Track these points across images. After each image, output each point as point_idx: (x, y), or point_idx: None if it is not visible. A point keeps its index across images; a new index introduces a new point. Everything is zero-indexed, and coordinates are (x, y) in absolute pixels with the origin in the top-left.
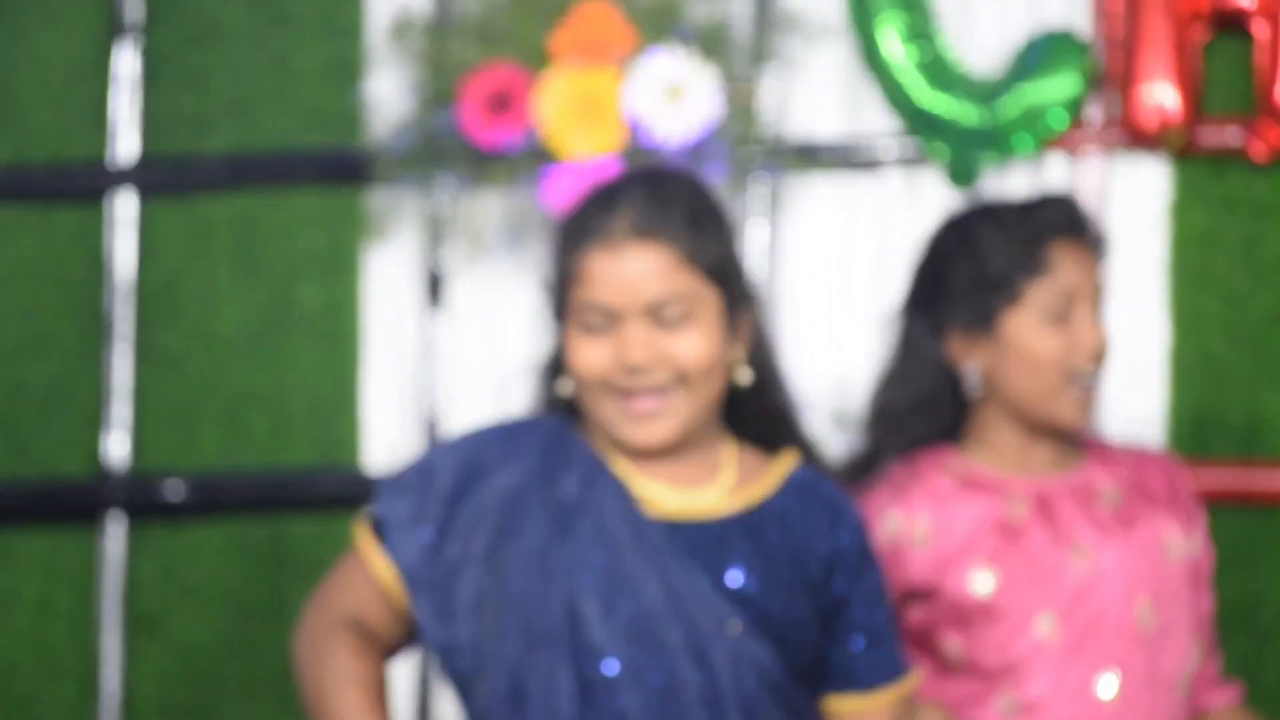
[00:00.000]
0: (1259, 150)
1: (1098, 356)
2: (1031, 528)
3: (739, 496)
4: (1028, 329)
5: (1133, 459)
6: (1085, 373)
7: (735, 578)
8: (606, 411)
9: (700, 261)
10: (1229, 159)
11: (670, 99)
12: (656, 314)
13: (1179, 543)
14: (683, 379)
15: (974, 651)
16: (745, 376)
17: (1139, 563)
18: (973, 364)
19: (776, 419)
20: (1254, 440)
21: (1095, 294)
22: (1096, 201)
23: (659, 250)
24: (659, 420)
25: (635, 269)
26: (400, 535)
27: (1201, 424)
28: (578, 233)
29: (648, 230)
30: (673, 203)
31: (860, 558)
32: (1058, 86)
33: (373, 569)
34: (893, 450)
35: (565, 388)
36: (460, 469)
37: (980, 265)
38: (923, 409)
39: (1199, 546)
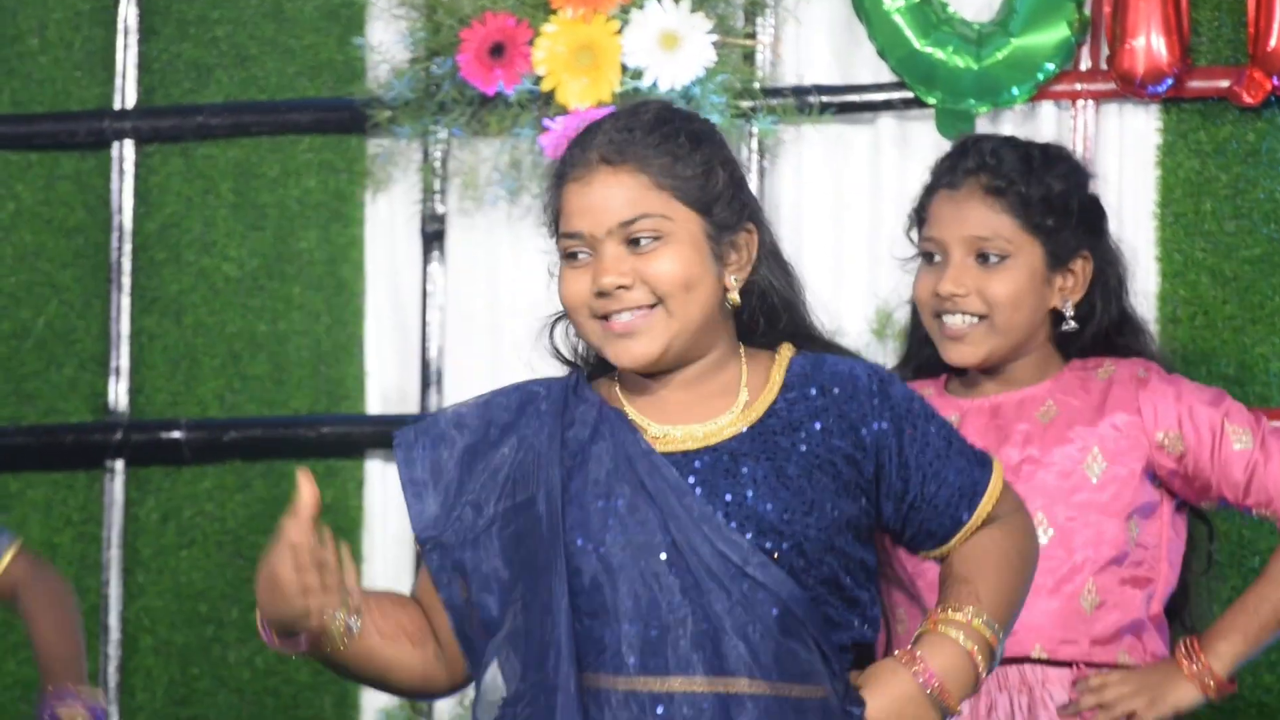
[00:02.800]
0: (1248, 97)
1: (945, 299)
2: None
3: (746, 416)
4: (918, 272)
5: (1102, 382)
6: (947, 313)
7: (749, 502)
8: (594, 337)
9: (673, 185)
10: (1218, 106)
11: (666, 47)
12: (628, 237)
13: (1101, 461)
14: (659, 299)
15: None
16: (734, 299)
17: (1047, 481)
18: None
19: (787, 322)
20: (1243, 386)
21: (969, 242)
22: (1087, 149)
23: (626, 175)
24: (639, 337)
25: (603, 194)
26: (418, 492)
27: (1190, 370)
28: (557, 171)
29: (616, 157)
30: (643, 129)
31: (893, 416)
32: (1048, 35)
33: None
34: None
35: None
36: (475, 428)
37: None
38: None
39: (1174, 434)
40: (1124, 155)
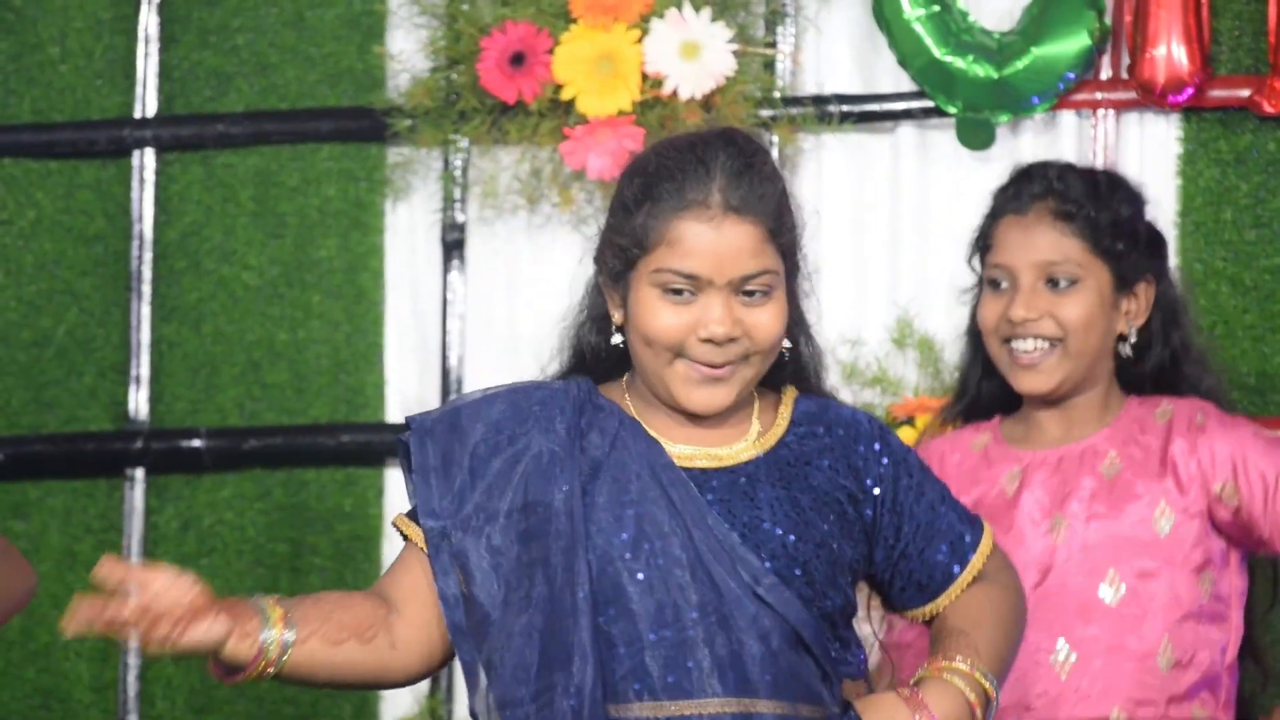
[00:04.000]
0: (1269, 106)
1: (1018, 324)
2: (1019, 499)
3: (761, 444)
4: (981, 300)
5: (1162, 426)
6: (1018, 338)
7: (765, 526)
8: (670, 374)
9: (781, 240)
10: (1238, 115)
11: (687, 56)
12: (741, 289)
13: (1171, 515)
14: (751, 354)
15: None
16: (784, 345)
17: (1116, 535)
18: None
19: (803, 373)
20: (1263, 395)
21: (1040, 267)
22: (1108, 159)
23: (752, 227)
24: (721, 387)
25: (730, 244)
26: (427, 480)
27: None
28: (666, 196)
29: (744, 206)
30: (765, 179)
31: (891, 462)
32: (1069, 44)
33: (415, 538)
34: (962, 406)
35: (617, 339)
36: (489, 422)
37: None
38: (965, 374)
39: (1229, 484)
40: (1144, 164)
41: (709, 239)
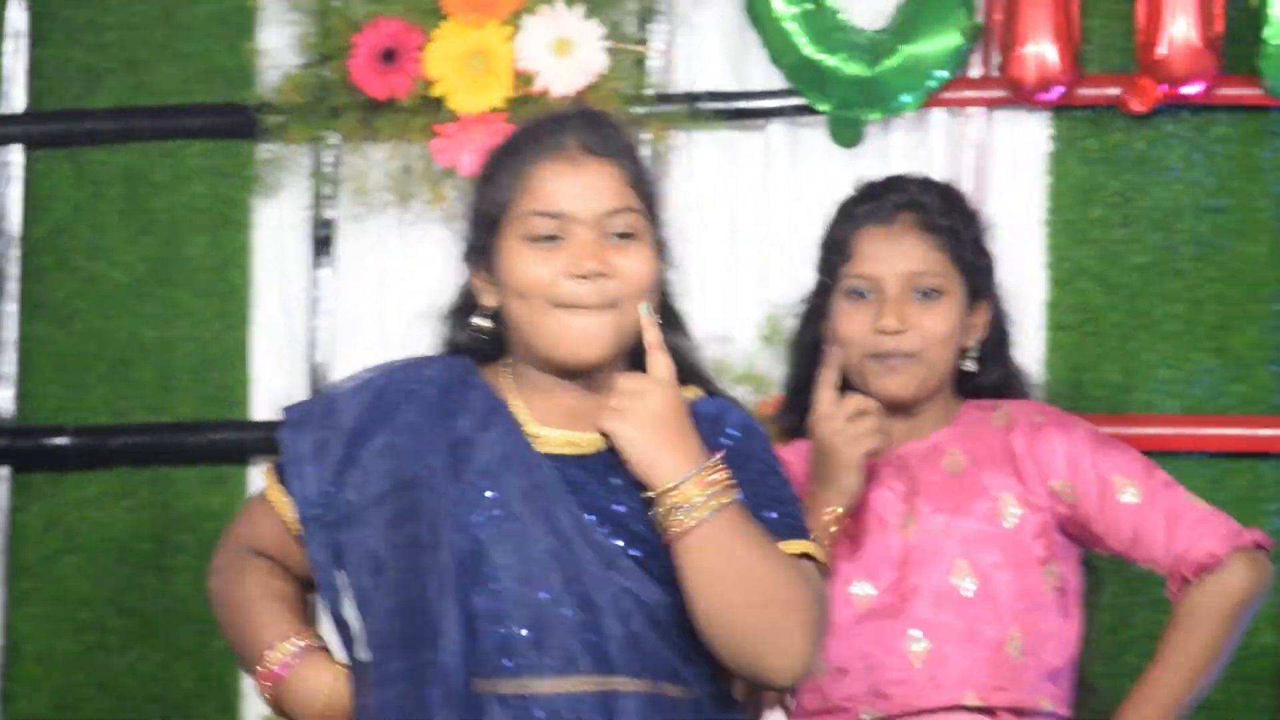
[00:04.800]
0: (1138, 104)
1: (888, 335)
2: (869, 499)
3: None
4: (835, 311)
5: (1001, 427)
6: (877, 351)
7: (623, 510)
8: (545, 327)
9: (641, 189)
10: (1107, 113)
11: (559, 53)
12: (606, 228)
13: (1017, 506)
14: (622, 298)
15: None
16: (648, 312)
17: (966, 529)
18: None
19: (681, 360)
20: (1129, 393)
21: (905, 277)
22: (978, 156)
23: (613, 168)
24: (596, 334)
25: (592, 180)
26: (301, 471)
27: (1077, 377)
28: (524, 150)
29: (602, 149)
30: (620, 134)
31: (745, 454)
32: (940, 42)
33: (277, 505)
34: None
35: (481, 325)
36: (363, 408)
37: (821, 251)
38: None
39: (1065, 480)
40: (1015, 162)
41: (570, 177)
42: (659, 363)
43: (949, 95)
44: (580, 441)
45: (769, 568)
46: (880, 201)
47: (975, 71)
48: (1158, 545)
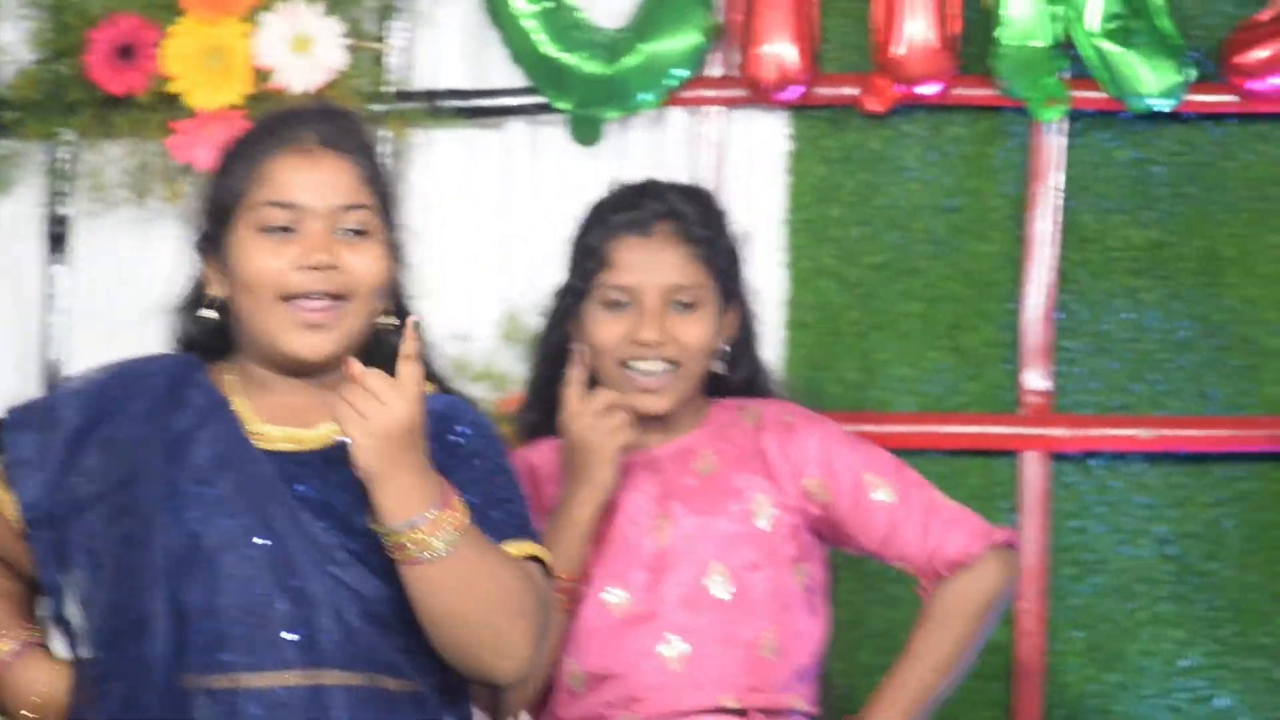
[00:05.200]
0: (875, 104)
1: (647, 346)
2: (620, 501)
3: None
4: (589, 319)
5: (750, 426)
6: (641, 360)
7: (341, 505)
8: (274, 320)
9: (376, 187)
10: (845, 113)
11: (298, 50)
12: (339, 223)
13: (771, 507)
14: (352, 294)
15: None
16: (387, 314)
17: (720, 531)
18: (580, 348)
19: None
20: (865, 391)
21: (667, 289)
22: (718, 155)
23: (349, 164)
24: (324, 331)
25: (327, 175)
26: (23, 473)
27: (815, 375)
28: (262, 141)
29: (339, 144)
30: (358, 129)
31: (473, 452)
32: (679, 41)
33: (1, 505)
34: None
35: (208, 316)
36: (84, 408)
37: (574, 255)
38: (555, 388)
39: (819, 480)
40: (753, 161)
41: (305, 170)
42: (410, 374)
43: (688, 94)
44: (302, 438)
45: (496, 578)
46: (639, 210)
47: (714, 71)
48: (911, 543)
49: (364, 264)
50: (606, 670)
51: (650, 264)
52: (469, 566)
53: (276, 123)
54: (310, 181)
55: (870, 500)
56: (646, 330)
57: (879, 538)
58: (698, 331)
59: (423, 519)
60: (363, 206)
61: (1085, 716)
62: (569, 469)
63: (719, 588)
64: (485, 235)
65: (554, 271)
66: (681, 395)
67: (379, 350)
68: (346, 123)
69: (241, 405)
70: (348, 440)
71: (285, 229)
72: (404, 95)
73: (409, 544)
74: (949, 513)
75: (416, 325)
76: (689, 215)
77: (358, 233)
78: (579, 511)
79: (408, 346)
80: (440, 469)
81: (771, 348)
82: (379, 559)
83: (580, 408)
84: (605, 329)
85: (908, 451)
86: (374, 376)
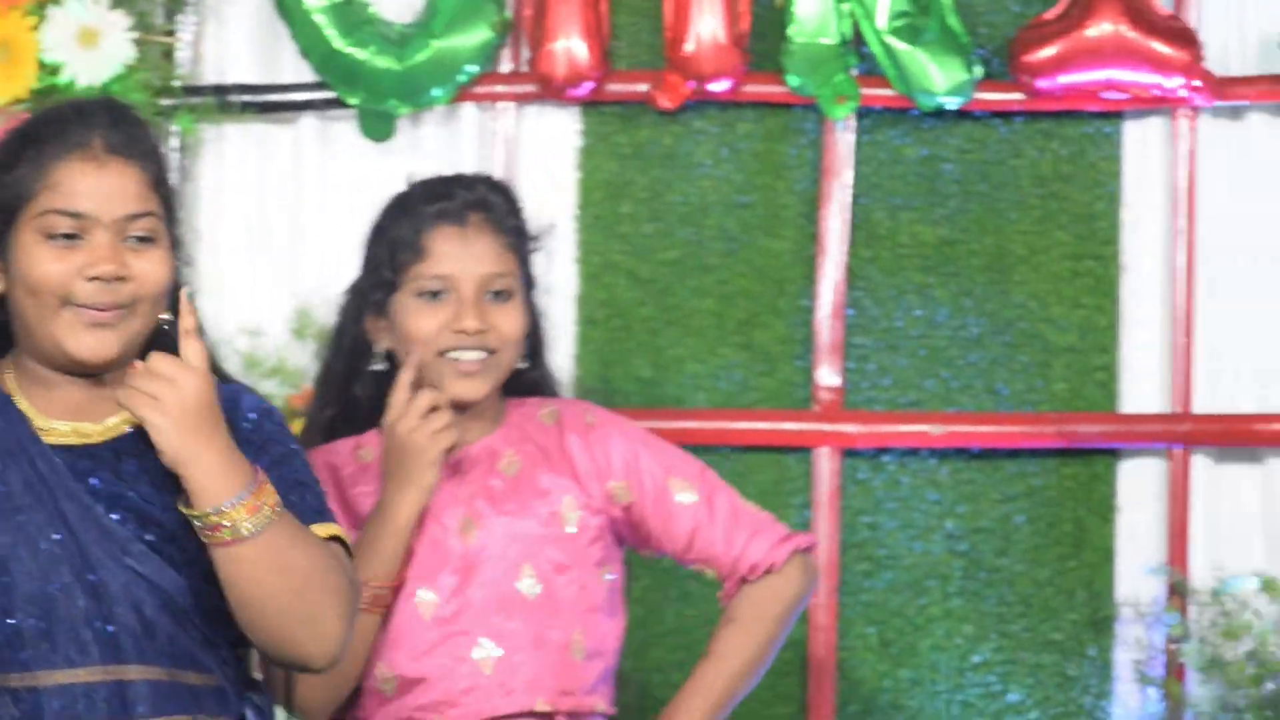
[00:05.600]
0: (666, 100)
1: (470, 335)
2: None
3: (131, 419)
4: (405, 310)
5: (550, 426)
6: (463, 349)
7: (133, 496)
8: (57, 324)
9: (162, 190)
10: (636, 109)
11: (85, 44)
12: (127, 231)
13: (577, 509)
14: (139, 301)
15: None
16: (167, 312)
17: (529, 532)
18: (380, 343)
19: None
20: (659, 388)
21: (484, 279)
22: (509, 151)
23: (137, 170)
24: (108, 334)
25: (115, 183)
26: None
27: (608, 372)
28: (48, 144)
29: (127, 150)
30: (144, 132)
31: (266, 435)
32: (470, 37)
33: None
34: (333, 413)
35: None
36: None
37: (377, 249)
38: (351, 385)
39: (624, 485)
40: (545, 157)
41: (93, 178)
42: (193, 349)
43: (479, 90)
44: (90, 432)
45: (309, 556)
46: (452, 200)
47: (506, 66)
48: (715, 546)
49: (150, 270)
50: (418, 674)
51: (466, 253)
52: (284, 545)
53: (63, 122)
54: (98, 190)
55: (675, 503)
56: (468, 319)
57: (682, 541)
58: (513, 320)
59: (239, 499)
60: (149, 214)
61: (878, 711)
62: (390, 471)
63: (529, 590)
64: (276, 231)
65: (346, 267)
66: (495, 384)
67: (159, 345)
68: (134, 125)
69: (23, 402)
70: (137, 429)
71: (71, 235)
72: (192, 90)
73: (226, 524)
74: (751, 518)
75: (190, 296)
76: (500, 205)
77: (144, 239)
78: (400, 514)
79: (186, 321)
80: None
81: (563, 345)
82: (177, 550)
83: (403, 410)
84: (423, 319)
85: (701, 448)
86: (158, 359)
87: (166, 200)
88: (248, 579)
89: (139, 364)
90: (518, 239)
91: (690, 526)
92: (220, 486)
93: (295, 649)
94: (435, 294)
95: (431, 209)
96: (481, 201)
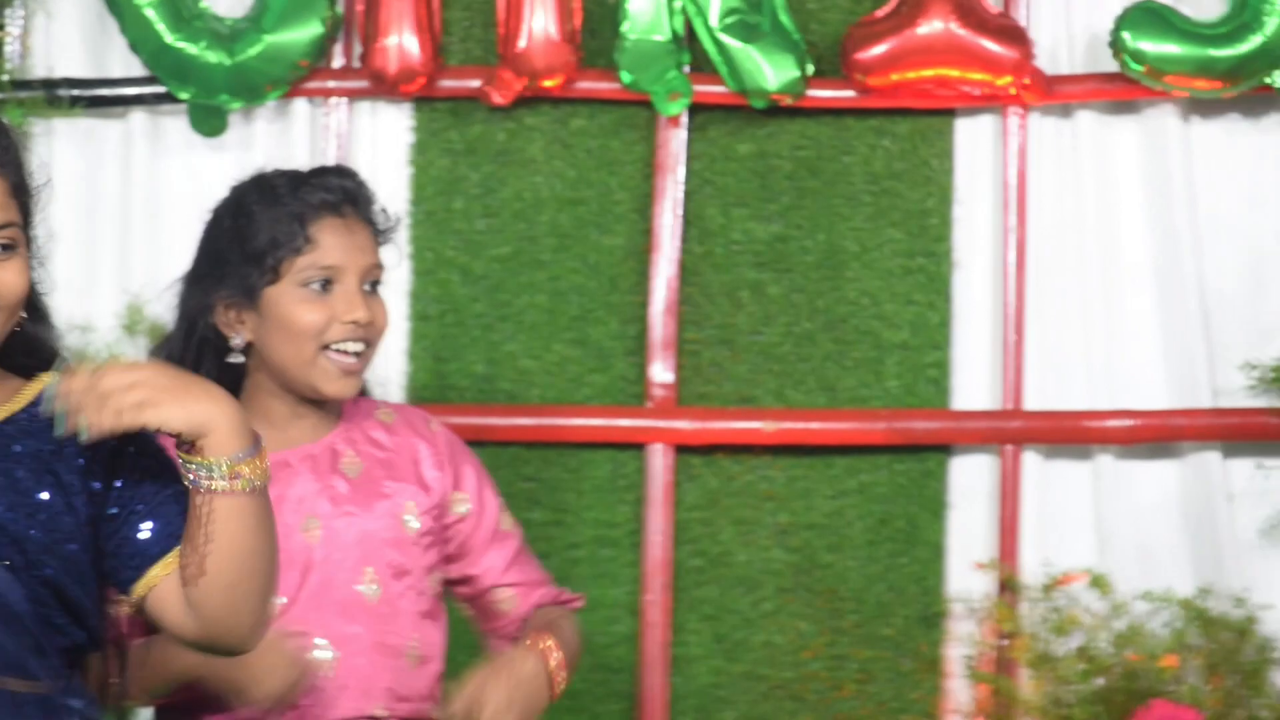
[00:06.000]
0: (499, 97)
1: (357, 325)
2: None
3: None
4: (287, 302)
5: (392, 427)
6: (350, 341)
7: None
8: None
9: (22, 197)
10: (469, 105)
11: None
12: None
13: (418, 516)
14: (3, 310)
15: None
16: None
17: (372, 534)
18: (240, 335)
19: (47, 351)
20: (492, 383)
21: (365, 269)
22: (341, 146)
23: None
24: None
25: None
26: None
27: (441, 368)
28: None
29: None
30: (7, 135)
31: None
32: (301, 32)
33: None
34: None
35: None
36: None
37: (246, 240)
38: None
39: (469, 505)
40: (376, 153)
41: None
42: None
43: (312, 85)
44: None
45: (263, 539)
46: (331, 192)
47: (338, 62)
48: (532, 574)
49: (12, 280)
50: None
51: (352, 244)
52: (256, 519)
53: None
54: None
55: (503, 533)
56: (359, 310)
57: (497, 570)
58: (385, 313)
59: (250, 452)
60: (11, 224)
61: (711, 708)
62: None
63: (369, 592)
64: (106, 226)
65: (177, 262)
66: (362, 377)
67: (11, 343)
68: None
69: None
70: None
71: None
72: (21, 84)
73: (244, 472)
74: (540, 569)
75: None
76: (368, 197)
77: (6, 248)
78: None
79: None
80: (92, 476)
81: (395, 341)
82: (16, 552)
83: None
84: (310, 311)
85: (534, 444)
86: (105, 376)
87: (25, 206)
88: (250, 530)
89: (81, 389)
90: (382, 232)
91: (509, 560)
92: (237, 439)
93: (234, 628)
94: (324, 285)
95: (314, 199)
96: (356, 193)
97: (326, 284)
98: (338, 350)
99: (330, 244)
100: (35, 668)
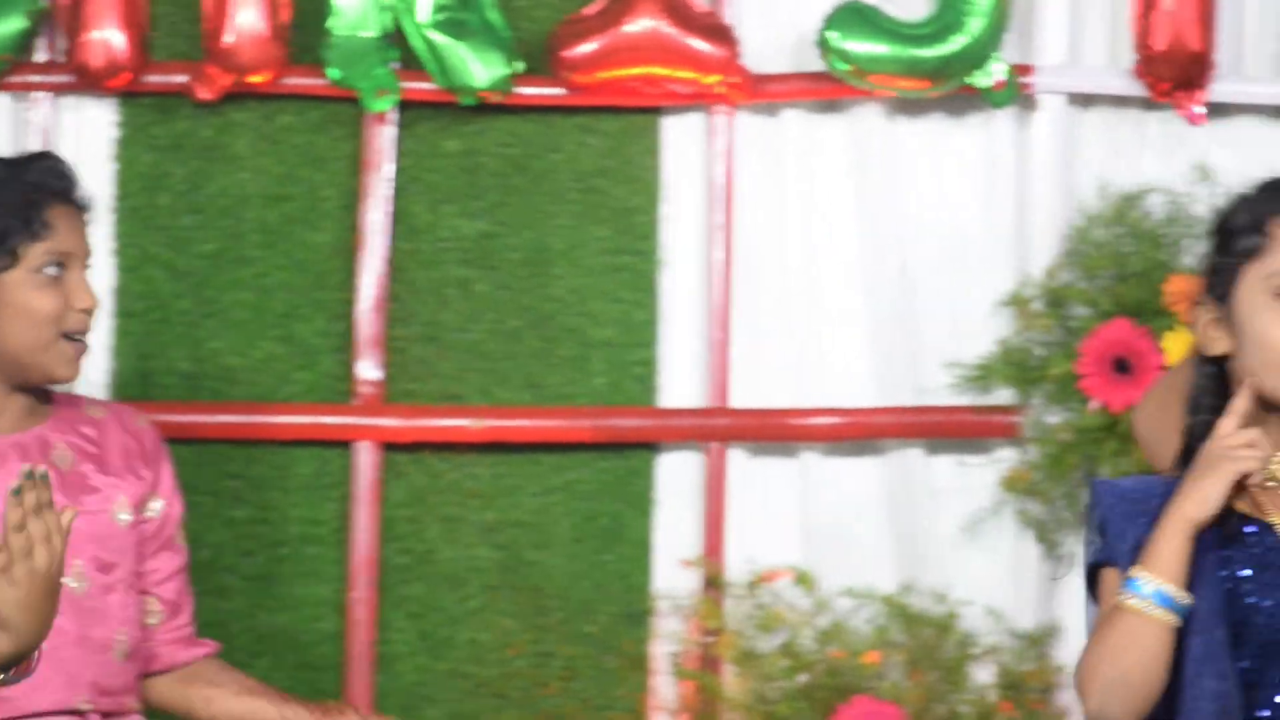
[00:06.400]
0: (205, 92)
1: (88, 313)
2: None
3: None
4: (25, 288)
5: (101, 422)
6: (76, 329)
7: None
8: None
9: None
10: (175, 100)
11: None
12: None
13: (129, 511)
14: None
15: None
16: None
17: (80, 528)
18: None
19: None
20: (198, 381)
21: (87, 254)
22: (45, 142)
23: None
24: None
25: None
26: None
27: (145, 364)
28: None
29: None
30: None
31: None
32: (4, 26)
33: None
34: None
35: None
36: None
37: None
38: None
39: (162, 507)
40: (81, 149)
41: None
42: None
43: (14, 80)
44: None
45: None
46: (64, 178)
47: (42, 56)
48: (185, 597)
49: None
50: None
51: (80, 230)
52: None
53: None
54: None
55: (177, 545)
56: (90, 297)
57: (158, 576)
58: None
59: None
60: None
61: (417, 705)
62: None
63: (76, 586)
64: None
65: None
66: None
67: None
68: None
69: None
70: None
71: None
72: None
73: None
74: (190, 598)
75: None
76: (80, 182)
77: None
78: None
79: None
80: None
81: (100, 337)
82: None
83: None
84: (47, 299)
85: (240, 442)
86: None
87: None
88: None
89: None
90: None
91: (175, 568)
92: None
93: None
94: (59, 271)
95: (47, 185)
96: (73, 178)
97: (58, 269)
98: (73, 337)
99: (64, 230)
100: None
